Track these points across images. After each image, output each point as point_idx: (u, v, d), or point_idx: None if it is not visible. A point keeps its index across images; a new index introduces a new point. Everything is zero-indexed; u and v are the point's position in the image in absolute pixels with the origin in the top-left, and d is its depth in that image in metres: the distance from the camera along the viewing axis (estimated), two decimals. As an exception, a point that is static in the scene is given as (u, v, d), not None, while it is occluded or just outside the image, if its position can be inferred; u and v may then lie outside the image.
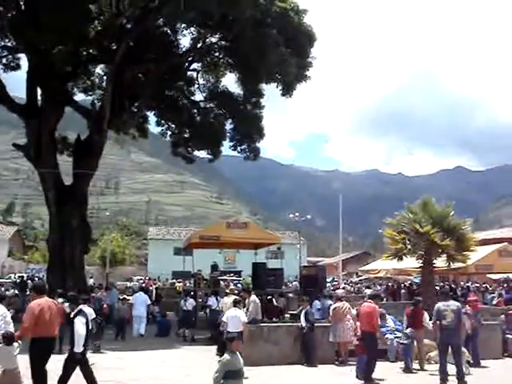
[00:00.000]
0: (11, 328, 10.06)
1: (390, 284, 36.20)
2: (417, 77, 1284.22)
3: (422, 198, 19.61)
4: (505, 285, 32.92)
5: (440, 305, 11.91)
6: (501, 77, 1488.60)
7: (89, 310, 14.65)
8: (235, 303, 13.80)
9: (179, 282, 37.53)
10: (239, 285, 36.03)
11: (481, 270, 24.16)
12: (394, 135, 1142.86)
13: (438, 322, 11.77)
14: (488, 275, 32.88)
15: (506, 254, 23.47)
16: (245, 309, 14.66)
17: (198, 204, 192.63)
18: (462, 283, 34.65)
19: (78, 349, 9.67)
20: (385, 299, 32.39)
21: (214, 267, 29.65)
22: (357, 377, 12.01)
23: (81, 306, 10.74)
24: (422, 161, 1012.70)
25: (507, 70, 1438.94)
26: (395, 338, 14.56)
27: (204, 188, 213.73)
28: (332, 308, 14.76)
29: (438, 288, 22.93)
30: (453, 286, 30.71)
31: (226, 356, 7.33)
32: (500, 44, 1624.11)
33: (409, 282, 35.32)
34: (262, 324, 14.69)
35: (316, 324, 14.74)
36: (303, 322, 14.35)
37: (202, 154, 32.38)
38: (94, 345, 15.61)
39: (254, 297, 14.66)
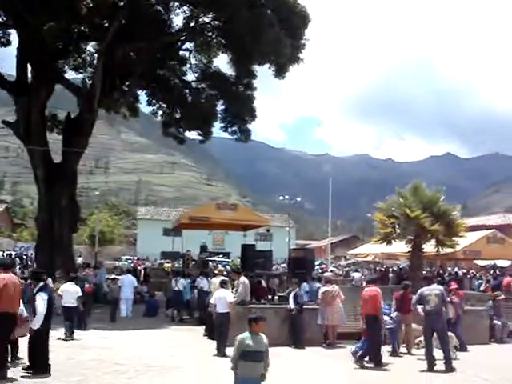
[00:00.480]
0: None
1: (378, 268, 36.39)
2: (409, 62, 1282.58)
3: (413, 182, 19.58)
4: (491, 271, 33.19)
5: (424, 289, 11.98)
6: (492, 64, 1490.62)
7: (75, 288, 14.78)
8: (222, 284, 13.82)
9: (167, 263, 37.55)
10: (228, 266, 36.13)
11: (469, 256, 24.28)
12: (384, 120, 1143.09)
13: (418, 306, 11.90)
14: (475, 261, 33.09)
15: (494, 241, 23.60)
16: (234, 290, 14.67)
17: (187, 185, 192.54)
18: (449, 269, 34.90)
19: (35, 325, 9.73)
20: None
21: (203, 248, 29.71)
22: (357, 361, 11.94)
23: (42, 283, 10.63)
24: (412, 147, 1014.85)
25: (498, 58, 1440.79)
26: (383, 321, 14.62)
27: (194, 169, 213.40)
28: (322, 291, 14.77)
29: (425, 273, 23.06)
30: (440, 271, 30.93)
31: (242, 335, 6.96)
32: (491, 29, 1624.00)
33: (396, 266, 35.57)
34: (250, 305, 14.66)
35: (304, 306, 14.80)
36: (292, 304, 14.38)
37: (193, 134, 32.20)
38: (80, 324, 15.64)
39: (243, 278, 14.63)
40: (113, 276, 22.15)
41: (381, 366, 11.73)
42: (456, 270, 33.49)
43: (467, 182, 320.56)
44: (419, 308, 11.88)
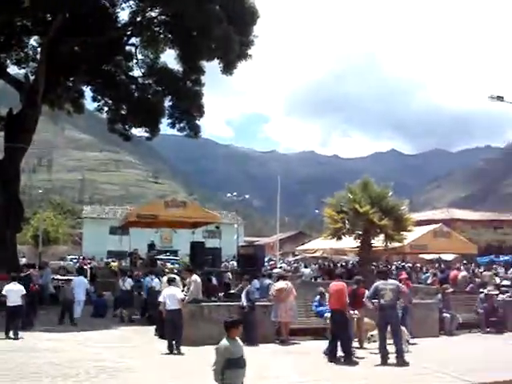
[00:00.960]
0: None
1: (325, 263, 36.67)
2: (355, 60, 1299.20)
3: (362, 178, 19.77)
4: (436, 265, 33.88)
5: (379, 284, 12.08)
6: (435, 63, 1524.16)
7: (19, 287, 14.44)
8: (169, 281, 13.79)
9: (114, 262, 37.00)
10: (176, 264, 35.78)
11: (415, 250, 24.74)
12: (330, 117, 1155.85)
13: (373, 300, 12.00)
14: (421, 255, 33.74)
15: (441, 235, 24.15)
16: (186, 288, 14.48)
17: (133, 183, 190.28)
18: (395, 263, 35.45)
19: None
20: (320, 278, 32.90)
21: (151, 246, 29.39)
22: (331, 360, 11.95)
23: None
24: (357, 143, 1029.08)
25: (442, 56, 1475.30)
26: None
27: (140, 167, 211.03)
28: (276, 288, 14.69)
29: (373, 267, 23.35)
30: (388, 265, 31.39)
31: (224, 342, 6.51)
32: (436, 30, 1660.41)
33: (344, 261, 35.92)
34: (202, 304, 14.51)
35: (256, 303, 14.72)
36: (244, 301, 14.27)
37: (139, 131, 31.69)
38: (26, 324, 15.23)
39: (195, 276, 14.43)
40: (66, 277, 21.60)
41: (352, 361, 11.76)
42: (403, 263, 34.00)
43: (410, 178, 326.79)
44: (368, 302, 12.00)
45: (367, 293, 12.37)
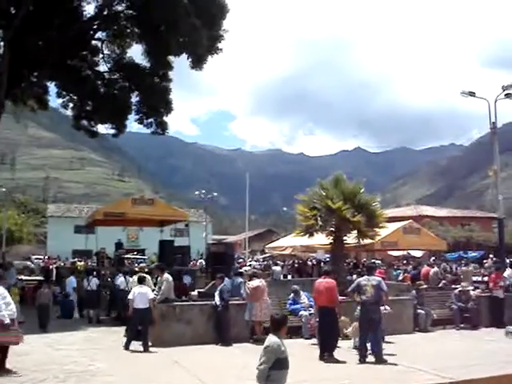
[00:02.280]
0: (12, 308, 10.16)
1: (295, 261, 36.58)
2: (321, 58, 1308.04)
3: (334, 174, 19.54)
4: (404, 261, 34.04)
5: (361, 279, 11.96)
6: (401, 61, 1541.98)
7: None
8: (140, 281, 13.48)
9: (80, 261, 36.37)
10: (144, 263, 35.30)
11: (386, 247, 24.62)
12: (296, 115, 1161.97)
13: (356, 295, 11.88)
14: (389, 252, 33.80)
15: (411, 232, 24.11)
16: (157, 287, 14.12)
17: (98, 181, 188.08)
18: (363, 260, 35.50)
19: None
20: (290, 276, 32.79)
21: (119, 245, 28.83)
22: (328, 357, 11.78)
23: None
24: (323, 141, 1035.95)
25: (407, 55, 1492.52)
26: (309, 314, 14.46)
27: (105, 165, 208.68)
28: (252, 286, 14.37)
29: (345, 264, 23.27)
30: (362, 262, 31.43)
31: (276, 340, 6.09)
32: (402, 28, 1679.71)
33: (313, 258, 35.84)
34: (174, 303, 14.15)
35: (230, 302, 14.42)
36: (217, 301, 13.96)
37: (105, 128, 31.04)
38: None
39: (167, 275, 14.03)
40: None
41: (335, 359, 11.55)
42: (374, 260, 34.06)
43: (376, 175, 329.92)
44: (351, 293, 11.92)
45: (350, 288, 12.22)
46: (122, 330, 14.98)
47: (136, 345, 12.89)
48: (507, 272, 19.08)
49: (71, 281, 19.75)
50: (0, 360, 10.06)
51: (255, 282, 14.45)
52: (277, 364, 6.00)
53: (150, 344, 12.69)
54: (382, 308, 12.58)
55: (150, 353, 12.45)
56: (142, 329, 12.89)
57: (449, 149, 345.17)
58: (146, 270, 19.03)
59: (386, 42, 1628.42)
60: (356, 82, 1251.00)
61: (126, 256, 31.73)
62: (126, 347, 12.70)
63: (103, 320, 18.40)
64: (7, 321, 9.88)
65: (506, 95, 22.70)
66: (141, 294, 12.96)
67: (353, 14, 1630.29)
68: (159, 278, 14.13)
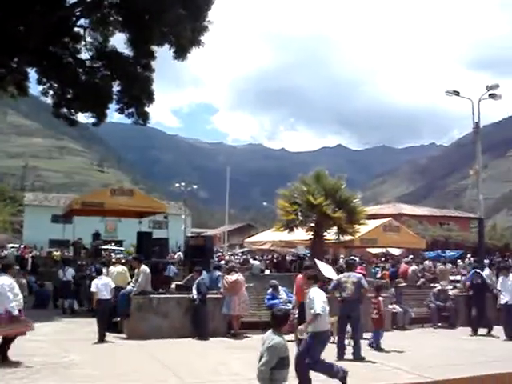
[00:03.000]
0: (20, 298, 10.10)
1: (274, 256, 36.49)
2: (304, 54, 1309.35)
3: (315, 170, 19.47)
4: (383, 258, 34.12)
5: (341, 276, 11.89)
6: (383, 60, 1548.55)
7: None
8: (99, 272, 13.66)
9: (57, 251, 36.01)
10: (121, 255, 35.06)
11: (366, 244, 24.70)
12: (278, 111, 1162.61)
13: (337, 291, 11.82)
14: (368, 249, 33.87)
15: (390, 229, 24.18)
16: (134, 279, 13.90)
17: (77, 171, 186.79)
18: (341, 256, 35.52)
19: None
20: (268, 271, 32.69)
21: (96, 236, 28.54)
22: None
23: None
24: (305, 138, 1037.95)
25: (390, 54, 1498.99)
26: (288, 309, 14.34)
27: (84, 155, 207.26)
28: (231, 280, 14.23)
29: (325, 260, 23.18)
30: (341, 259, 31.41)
31: (279, 341, 5.91)
32: (386, 27, 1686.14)
33: (291, 254, 35.80)
34: (151, 295, 13.95)
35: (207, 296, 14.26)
36: (195, 294, 13.78)
37: (85, 118, 30.59)
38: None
39: (144, 267, 13.77)
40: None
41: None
42: (353, 257, 34.08)
43: (357, 173, 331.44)
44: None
45: (331, 285, 12.13)
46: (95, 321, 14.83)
47: (111, 336, 12.72)
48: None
49: (69, 271, 19.42)
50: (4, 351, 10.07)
51: (233, 276, 14.32)
52: (279, 364, 5.86)
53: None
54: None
55: (126, 345, 12.27)
56: (105, 319, 12.86)
57: (429, 148, 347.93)
58: (123, 260, 18.77)
59: (371, 40, 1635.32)
60: (339, 79, 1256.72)
61: (103, 247, 31.49)
62: (101, 339, 12.50)
63: (78, 311, 18.18)
64: (16, 312, 9.85)
65: (490, 95, 22.76)
66: (105, 285, 12.94)
67: (338, 11, 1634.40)
68: (136, 270, 13.90)
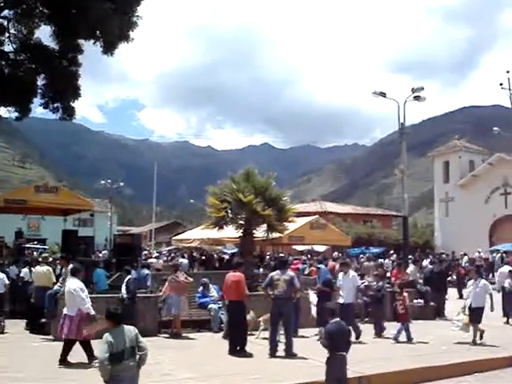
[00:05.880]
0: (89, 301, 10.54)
1: (202, 253, 36.42)
2: (232, 53, 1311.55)
3: (245, 168, 19.64)
4: (309, 255, 34.61)
5: (274, 274, 11.98)
6: (308, 60, 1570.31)
7: None
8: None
9: (-24, 250, 34.63)
10: (46, 253, 34.16)
11: (293, 241, 25.12)
12: (205, 109, 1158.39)
13: (268, 289, 11.91)
14: (294, 246, 34.33)
15: (317, 227, 24.70)
16: (61, 279, 13.58)
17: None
18: (268, 253, 35.88)
19: None
20: (196, 269, 32.64)
21: (19, 234, 27.73)
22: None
23: None
24: (232, 136, 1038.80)
25: (314, 55, 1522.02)
26: (219, 308, 14.40)
27: (6, 150, 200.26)
28: (181, 279, 14.10)
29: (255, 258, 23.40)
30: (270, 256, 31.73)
31: (107, 334, 6.20)
32: (312, 29, 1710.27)
33: (220, 251, 35.87)
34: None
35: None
36: (124, 293, 13.60)
37: (8, 111, 29.58)
38: None
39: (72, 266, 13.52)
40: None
41: (245, 352, 11.50)
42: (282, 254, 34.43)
43: (282, 171, 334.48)
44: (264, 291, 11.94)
45: (264, 284, 12.24)
46: (20, 322, 14.46)
47: (37, 338, 12.42)
48: (410, 268, 19.75)
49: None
50: (90, 351, 10.37)
51: (177, 275, 14.19)
52: (112, 358, 6.03)
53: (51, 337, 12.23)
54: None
55: (52, 347, 11.97)
56: None
57: (352, 148, 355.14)
58: (50, 259, 18.30)
59: (299, 39, 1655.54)
60: (267, 78, 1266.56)
61: (26, 245, 30.61)
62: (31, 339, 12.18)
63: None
64: (92, 312, 10.35)
65: (415, 97, 23.50)
66: None
67: (268, 10, 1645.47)
68: (63, 269, 13.60)
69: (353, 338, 12.46)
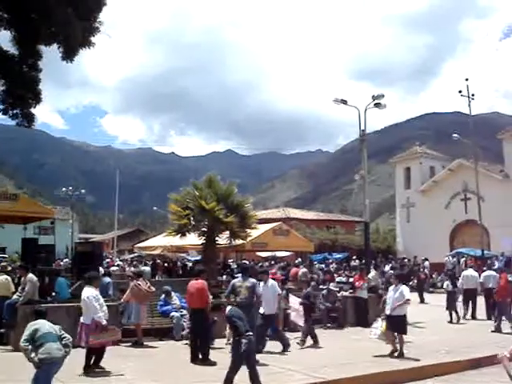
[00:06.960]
0: (105, 309, 10.80)
1: (165, 261, 36.17)
2: (196, 59, 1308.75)
3: (207, 175, 19.65)
4: (272, 262, 34.71)
5: (235, 281, 11.99)
6: (270, 67, 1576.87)
7: None
8: None
9: None
10: (5, 263, 33.51)
11: (256, 248, 25.19)
12: (168, 115, 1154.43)
13: (230, 297, 11.91)
14: (258, 253, 34.39)
15: (280, 233, 24.83)
16: (20, 288, 13.35)
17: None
18: (231, 260, 35.84)
19: None
20: (159, 277, 32.40)
21: (-23, 243, 27.20)
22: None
23: None
24: (195, 143, 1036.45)
25: (277, 62, 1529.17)
26: (181, 315, 14.32)
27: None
28: (145, 287, 13.93)
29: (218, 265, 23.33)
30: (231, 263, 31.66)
31: (31, 323, 7.72)
32: (275, 34, 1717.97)
33: (183, 259, 35.68)
34: (38, 304, 13.43)
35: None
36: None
37: (-35, 117, 29.09)
38: None
39: (31, 275, 13.29)
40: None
41: (210, 361, 11.42)
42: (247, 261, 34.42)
43: (246, 178, 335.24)
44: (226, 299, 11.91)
45: (226, 292, 12.21)
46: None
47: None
48: (371, 273, 19.94)
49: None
50: (95, 360, 10.52)
51: (142, 282, 14.04)
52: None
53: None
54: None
55: (11, 358, 11.75)
56: None
57: (315, 154, 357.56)
58: (9, 268, 17.97)
59: (262, 46, 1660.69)
60: (230, 84, 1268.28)
61: (-16, 254, 30.05)
62: None
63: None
64: (104, 322, 10.39)
65: (375, 105, 23.78)
66: None
67: (230, 18, 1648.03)
68: (22, 279, 13.36)
69: (279, 349, 12.65)
